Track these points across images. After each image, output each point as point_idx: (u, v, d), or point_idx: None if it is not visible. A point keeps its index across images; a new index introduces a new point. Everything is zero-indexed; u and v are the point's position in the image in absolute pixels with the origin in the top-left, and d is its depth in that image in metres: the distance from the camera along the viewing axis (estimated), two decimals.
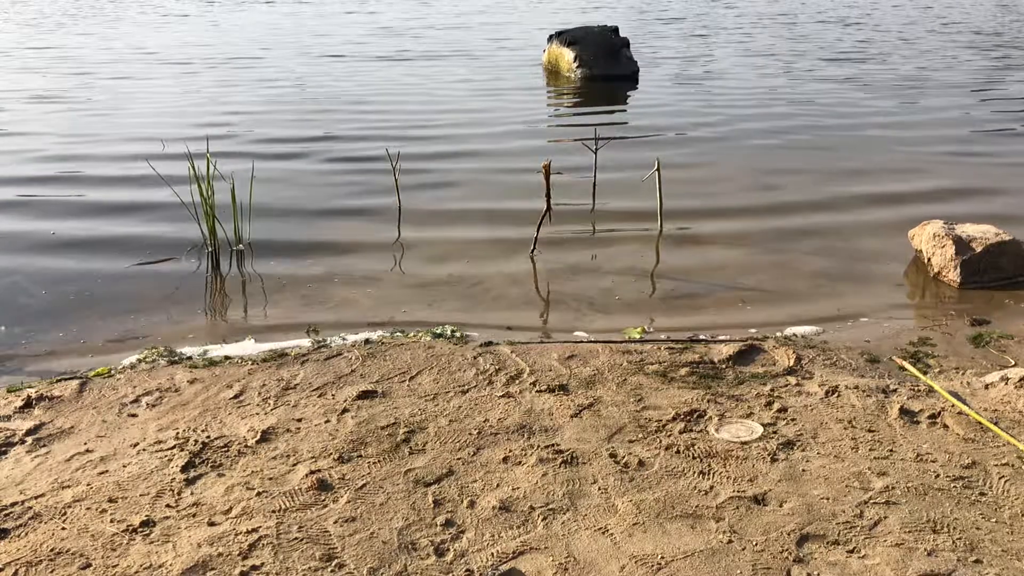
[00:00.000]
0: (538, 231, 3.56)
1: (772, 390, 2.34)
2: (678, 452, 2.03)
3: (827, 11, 13.09)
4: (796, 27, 11.19)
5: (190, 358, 2.63)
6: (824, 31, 10.76)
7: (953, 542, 1.70)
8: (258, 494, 1.88)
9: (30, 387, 2.45)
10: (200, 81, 7.79)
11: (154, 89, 7.44)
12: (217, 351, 2.69)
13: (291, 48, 9.86)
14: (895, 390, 2.33)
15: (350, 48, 9.70)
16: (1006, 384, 2.32)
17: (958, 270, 3.18)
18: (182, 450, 2.06)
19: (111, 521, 1.80)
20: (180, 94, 7.18)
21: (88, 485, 1.94)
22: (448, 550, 1.70)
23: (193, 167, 3.62)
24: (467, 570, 1.64)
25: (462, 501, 1.85)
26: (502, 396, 2.31)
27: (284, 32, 11.60)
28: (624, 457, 2.00)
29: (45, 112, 6.49)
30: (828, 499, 1.84)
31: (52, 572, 1.66)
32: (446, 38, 10.74)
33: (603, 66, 7.71)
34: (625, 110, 6.75)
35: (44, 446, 2.12)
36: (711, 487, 1.89)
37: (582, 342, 2.70)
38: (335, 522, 1.78)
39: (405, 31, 11.42)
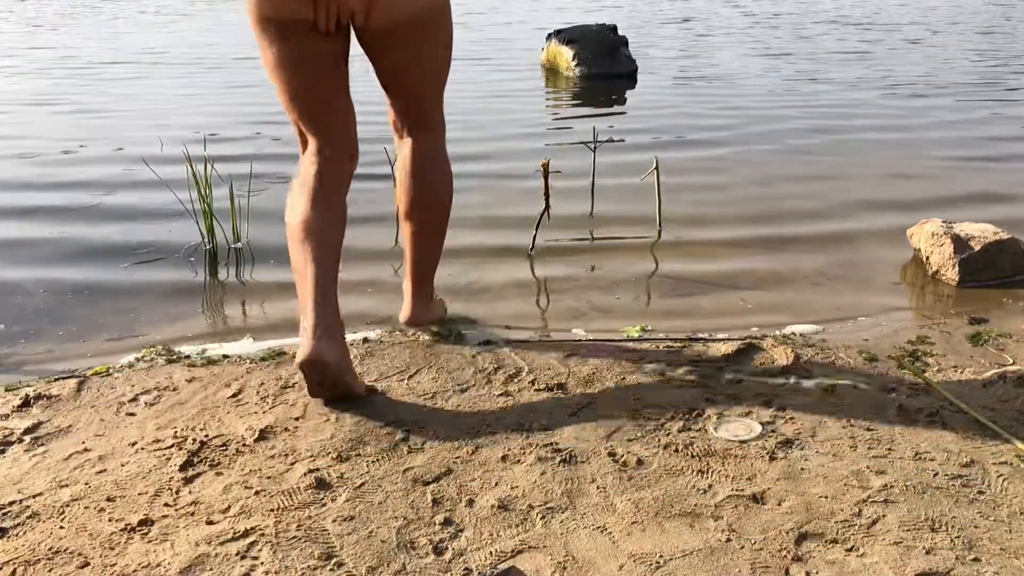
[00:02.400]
0: (536, 230, 3.56)
1: (771, 388, 2.34)
2: (676, 451, 2.03)
3: (835, 11, 13.06)
4: (805, 28, 11.16)
5: (188, 357, 2.63)
6: (834, 31, 10.73)
7: (951, 540, 1.70)
8: (256, 493, 1.88)
9: (28, 386, 2.45)
10: (197, 83, 7.79)
11: (151, 91, 7.44)
12: (215, 350, 2.69)
13: None
14: (894, 389, 2.33)
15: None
16: (1004, 383, 2.33)
17: (956, 268, 3.18)
18: (180, 449, 2.06)
19: (109, 520, 1.80)
20: (178, 96, 7.18)
21: (86, 484, 1.94)
22: (447, 549, 1.70)
23: (191, 166, 3.63)
24: (466, 569, 1.64)
25: (461, 500, 1.85)
26: (501, 395, 2.31)
27: None
28: (623, 456, 2.00)
29: (43, 113, 6.49)
30: (827, 497, 1.84)
31: (50, 571, 1.66)
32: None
33: (602, 65, 7.72)
34: (624, 109, 6.76)
35: (42, 445, 2.12)
36: (709, 486, 1.89)
37: (581, 341, 2.70)
38: (334, 521, 1.78)
39: None
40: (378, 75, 2.29)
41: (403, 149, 2.41)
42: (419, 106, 2.35)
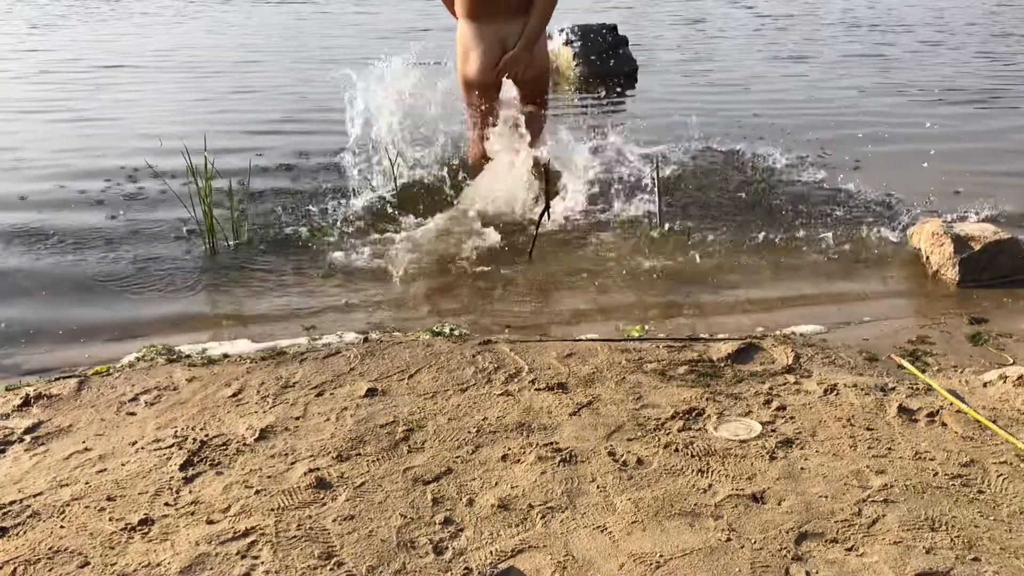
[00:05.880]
0: (536, 230, 3.56)
1: (771, 388, 2.34)
2: (676, 450, 2.03)
3: (845, 12, 12.98)
4: (813, 29, 11.09)
5: (188, 356, 2.63)
6: (842, 34, 10.68)
7: (951, 540, 1.70)
8: (257, 492, 1.88)
9: (28, 385, 2.45)
10: (198, 86, 7.79)
11: (151, 93, 7.45)
12: (215, 349, 2.69)
13: (288, 52, 9.84)
14: (894, 388, 2.34)
15: (348, 52, 9.68)
16: (1004, 382, 2.33)
17: (957, 268, 3.18)
18: (180, 448, 2.06)
19: (110, 519, 1.80)
20: (179, 99, 7.19)
21: (87, 483, 1.94)
22: (447, 548, 1.70)
23: (191, 165, 3.63)
24: (466, 568, 1.64)
25: (461, 499, 1.85)
26: (501, 394, 2.31)
27: (281, 34, 11.59)
28: (623, 455, 2.01)
29: (43, 118, 6.49)
30: (826, 497, 1.84)
31: (51, 571, 1.66)
32: (447, 40, 10.71)
33: (602, 64, 7.72)
34: (625, 108, 6.76)
35: (42, 444, 2.12)
36: (709, 485, 1.89)
37: (581, 340, 2.70)
38: (334, 520, 1.79)
39: (404, 32, 11.42)
40: (519, 90, 4.10)
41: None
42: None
